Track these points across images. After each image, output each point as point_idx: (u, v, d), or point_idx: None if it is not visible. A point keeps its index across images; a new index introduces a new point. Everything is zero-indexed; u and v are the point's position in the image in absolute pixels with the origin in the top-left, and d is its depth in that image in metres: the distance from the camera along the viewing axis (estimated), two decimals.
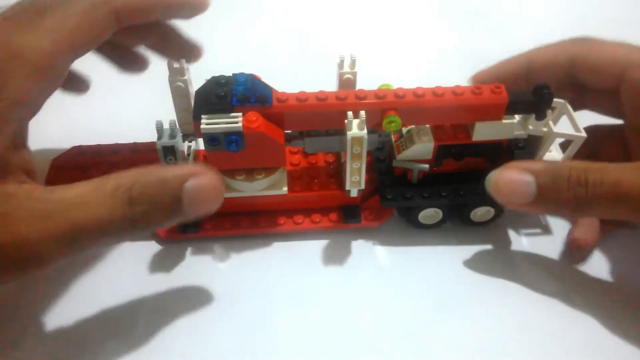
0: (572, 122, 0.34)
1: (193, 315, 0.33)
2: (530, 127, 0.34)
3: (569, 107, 0.35)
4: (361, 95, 0.32)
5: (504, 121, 0.34)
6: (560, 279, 0.35)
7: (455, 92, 0.32)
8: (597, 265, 0.36)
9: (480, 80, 0.37)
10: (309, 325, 0.33)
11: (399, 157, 0.35)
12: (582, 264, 0.36)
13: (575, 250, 0.36)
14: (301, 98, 0.32)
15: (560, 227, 0.38)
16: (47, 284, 0.34)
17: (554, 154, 0.36)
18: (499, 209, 0.37)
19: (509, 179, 0.30)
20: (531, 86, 0.33)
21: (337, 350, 0.32)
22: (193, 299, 0.34)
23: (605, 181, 0.28)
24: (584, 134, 0.34)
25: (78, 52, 0.27)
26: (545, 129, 0.34)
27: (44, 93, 0.26)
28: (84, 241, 0.25)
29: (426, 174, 0.36)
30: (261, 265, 0.36)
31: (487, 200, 0.35)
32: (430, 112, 0.32)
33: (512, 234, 0.38)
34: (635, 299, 0.34)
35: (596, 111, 0.38)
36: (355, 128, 0.31)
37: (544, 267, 0.36)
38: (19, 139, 0.24)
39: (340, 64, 0.35)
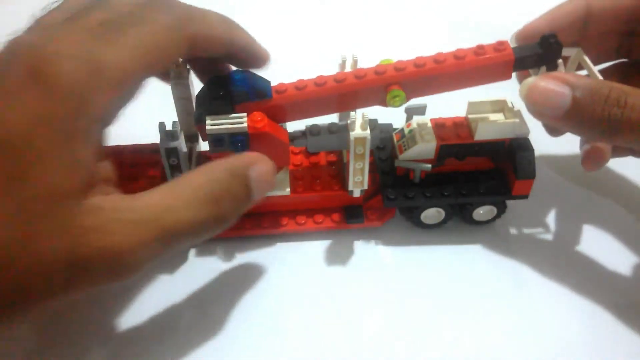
0: (589, 70, 0.32)
1: (195, 316, 0.33)
2: None
3: (584, 55, 0.33)
4: (360, 75, 0.31)
5: (507, 120, 0.34)
6: (562, 276, 0.35)
7: (457, 56, 0.31)
8: (598, 265, 0.36)
9: (528, 36, 0.33)
10: (313, 325, 0.33)
11: (401, 157, 0.35)
12: (578, 264, 0.36)
13: (592, 159, 0.35)
14: (300, 86, 0.31)
15: (559, 225, 0.38)
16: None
17: None
18: (502, 208, 0.37)
19: (545, 88, 0.29)
20: (588, 37, 0.32)
21: (341, 348, 0.32)
22: (195, 300, 0.34)
23: None
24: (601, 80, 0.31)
25: (150, 71, 0.27)
26: None
27: (119, 108, 0.26)
28: (175, 244, 0.26)
29: (428, 173, 0.36)
30: (264, 267, 0.36)
31: (490, 200, 0.36)
32: (434, 80, 0.31)
33: (514, 232, 0.38)
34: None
35: None
36: (358, 128, 0.31)
37: (546, 265, 0.36)
38: (101, 152, 0.25)
39: (342, 65, 0.35)
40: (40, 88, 0.23)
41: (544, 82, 0.29)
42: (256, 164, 0.28)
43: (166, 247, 0.25)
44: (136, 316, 0.33)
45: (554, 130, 0.37)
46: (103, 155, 0.25)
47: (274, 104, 0.31)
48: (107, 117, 0.25)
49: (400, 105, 0.32)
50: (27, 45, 0.24)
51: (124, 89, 0.25)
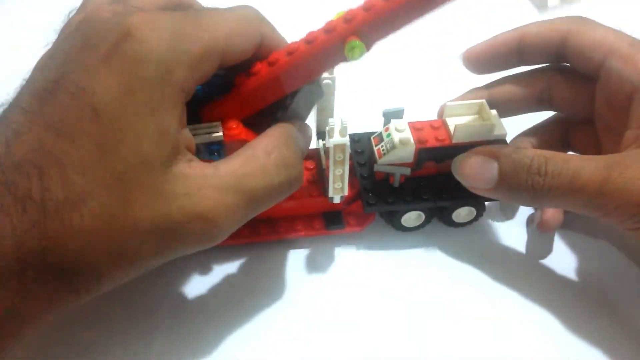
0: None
1: (173, 325, 0.33)
2: None
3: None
4: (310, 39, 0.29)
5: (484, 122, 0.34)
6: (542, 275, 0.36)
7: None
8: (575, 263, 0.37)
9: (472, 57, 0.37)
10: (294, 334, 0.33)
11: (380, 161, 0.35)
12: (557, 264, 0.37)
13: (544, 226, 0.36)
14: (254, 72, 0.30)
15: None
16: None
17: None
18: (480, 210, 0.37)
19: (473, 163, 0.31)
20: (523, 62, 0.33)
21: (323, 354, 0.32)
22: (174, 310, 0.34)
23: (563, 172, 0.28)
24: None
25: (225, 57, 0.28)
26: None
27: (195, 85, 0.27)
28: (255, 208, 0.27)
29: (408, 177, 0.35)
30: (242, 277, 0.35)
31: (469, 202, 0.36)
32: (388, 20, 0.28)
33: (492, 232, 0.38)
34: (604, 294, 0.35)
35: (564, 111, 0.37)
36: (337, 135, 0.31)
37: (525, 264, 0.36)
38: (182, 121, 0.26)
39: None
40: (127, 58, 0.24)
41: (473, 157, 0.31)
42: (302, 130, 0.31)
43: (247, 211, 0.27)
44: (110, 324, 0.33)
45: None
46: (184, 125, 0.26)
47: (235, 95, 0.30)
48: (187, 88, 0.26)
49: (361, 55, 0.28)
50: (113, 16, 0.26)
51: (202, 67, 0.26)
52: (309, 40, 0.29)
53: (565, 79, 0.36)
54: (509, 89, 0.37)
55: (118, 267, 0.24)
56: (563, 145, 0.37)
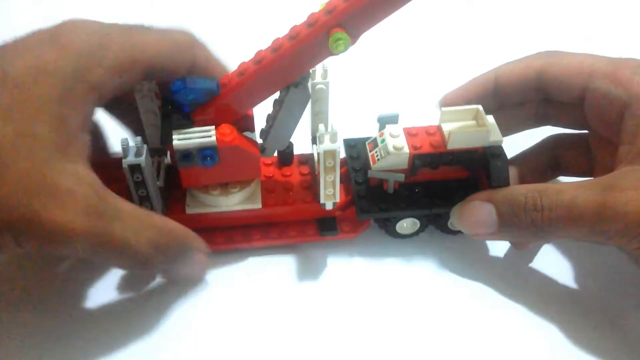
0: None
1: (164, 330, 0.33)
2: None
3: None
4: (294, 34, 0.29)
5: (479, 128, 0.33)
6: (539, 282, 0.35)
7: None
8: (573, 270, 0.36)
9: (449, 103, 0.37)
10: (283, 340, 0.32)
11: (374, 167, 0.34)
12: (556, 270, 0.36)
13: (519, 243, 0.36)
14: (242, 72, 0.30)
15: None
16: (18, 307, 0.34)
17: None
18: None
19: (471, 211, 0.32)
20: (498, 103, 0.33)
21: None
22: (165, 314, 0.33)
23: (559, 204, 0.29)
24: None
25: (154, 72, 0.29)
26: None
27: (116, 90, 0.28)
28: (102, 245, 0.27)
29: (402, 183, 0.35)
30: (235, 282, 0.35)
31: None
32: (369, 7, 0.27)
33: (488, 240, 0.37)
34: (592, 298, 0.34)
35: (561, 125, 0.37)
36: (328, 141, 0.30)
37: (521, 272, 0.36)
38: (87, 123, 0.27)
39: (312, 74, 0.34)
40: (54, 47, 0.26)
41: (469, 205, 0.32)
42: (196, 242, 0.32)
43: (95, 237, 0.26)
44: (99, 325, 0.33)
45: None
46: (88, 128, 0.28)
47: (224, 98, 0.30)
48: (104, 91, 0.27)
49: (346, 48, 0.28)
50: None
51: (124, 74, 0.28)
52: (293, 35, 0.28)
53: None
54: (506, 111, 0.37)
55: None
56: (552, 169, 0.38)
